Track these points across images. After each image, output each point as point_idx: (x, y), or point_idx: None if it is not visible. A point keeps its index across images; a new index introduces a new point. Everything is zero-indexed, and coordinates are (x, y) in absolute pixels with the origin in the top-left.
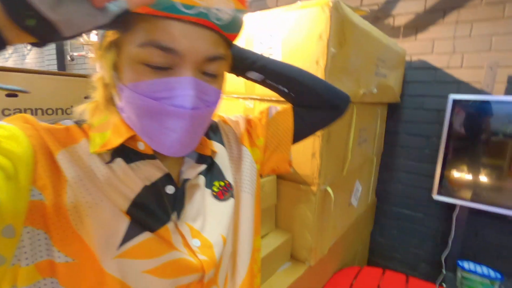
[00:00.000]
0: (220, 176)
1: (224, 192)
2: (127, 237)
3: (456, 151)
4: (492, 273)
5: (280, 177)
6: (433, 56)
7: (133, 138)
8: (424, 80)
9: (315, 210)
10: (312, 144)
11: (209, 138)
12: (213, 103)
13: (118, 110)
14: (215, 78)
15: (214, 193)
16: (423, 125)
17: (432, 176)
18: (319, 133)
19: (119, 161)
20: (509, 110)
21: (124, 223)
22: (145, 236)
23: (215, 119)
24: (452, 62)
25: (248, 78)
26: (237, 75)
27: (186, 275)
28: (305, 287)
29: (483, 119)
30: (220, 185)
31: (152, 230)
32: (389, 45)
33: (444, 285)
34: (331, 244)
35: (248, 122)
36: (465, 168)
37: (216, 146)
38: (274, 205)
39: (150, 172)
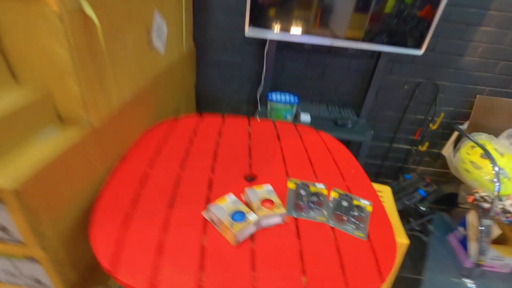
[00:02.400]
0: None
1: None
2: None
3: None
4: (292, 99)
5: None
6: None
7: None
8: None
9: (69, 46)
10: None
11: None
12: None
13: None
14: None
15: None
16: None
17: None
18: None
19: None
20: None
21: None
22: None
23: None
24: None
25: None
26: None
27: None
28: (94, 152)
29: None
30: None
31: None
32: None
33: (257, 116)
34: (127, 96)
35: None
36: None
37: None
38: None
39: None
